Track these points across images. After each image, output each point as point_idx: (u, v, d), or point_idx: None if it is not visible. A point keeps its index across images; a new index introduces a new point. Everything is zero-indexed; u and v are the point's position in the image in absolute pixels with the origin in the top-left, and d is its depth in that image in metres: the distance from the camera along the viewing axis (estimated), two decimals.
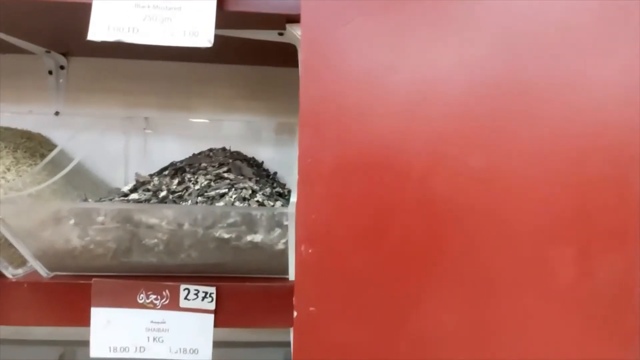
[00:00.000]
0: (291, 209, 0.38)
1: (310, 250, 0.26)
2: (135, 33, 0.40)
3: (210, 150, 0.68)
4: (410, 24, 0.26)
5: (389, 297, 0.27)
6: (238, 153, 0.68)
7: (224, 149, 0.69)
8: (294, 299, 0.26)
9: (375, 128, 0.26)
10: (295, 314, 0.26)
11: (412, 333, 0.27)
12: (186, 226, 0.40)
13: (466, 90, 0.27)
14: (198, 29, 0.40)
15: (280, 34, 0.52)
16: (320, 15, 0.25)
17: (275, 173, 0.71)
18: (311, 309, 0.26)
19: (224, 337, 0.72)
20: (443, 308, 0.27)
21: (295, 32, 0.49)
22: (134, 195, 0.47)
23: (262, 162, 0.71)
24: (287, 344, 0.79)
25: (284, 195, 0.58)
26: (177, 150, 0.72)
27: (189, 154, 0.69)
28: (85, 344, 0.76)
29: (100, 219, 0.42)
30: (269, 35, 0.52)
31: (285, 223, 0.39)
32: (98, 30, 0.40)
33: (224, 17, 0.43)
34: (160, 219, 0.39)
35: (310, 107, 0.26)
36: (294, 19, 0.48)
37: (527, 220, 0.27)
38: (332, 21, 0.25)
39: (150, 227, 0.40)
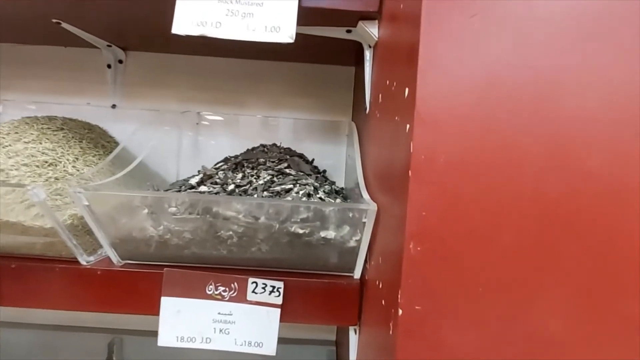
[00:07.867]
0: (372, 206, 0.38)
1: (419, 248, 0.26)
2: (218, 28, 0.41)
3: (264, 146, 0.69)
4: (533, 17, 0.26)
5: (497, 298, 0.26)
6: (290, 150, 0.69)
7: (276, 145, 0.70)
8: (399, 296, 0.26)
9: (492, 127, 0.26)
10: (400, 311, 0.26)
11: (518, 336, 0.27)
12: (262, 219, 0.40)
13: (589, 91, 0.26)
14: (279, 24, 0.41)
15: (348, 32, 0.52)
16: (444, 9, 0.25)
17: (324, 171, 0.71)
18: (417, 307, 0.26)
19: None
20: (551, 311, 0.27)
21: (368, 30, 0.49)
22: (203, 188, 0.47)
23: (313, 160, 0.71)
24: (330, 342, 0.80)
25: (339, 193, 0.58)
26: (227, 145, 0.73)
27: (238, 149, 0.70)
28: (133, 332, 0.78)
29: (173, 209, 0.43)
30: (337, 33, 0.52)
31: (364, 220, 0.39)
32: (182, 25, 0.40)
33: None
34: (238, 211, 0.40)
35: (426, 105, 0.25)
36: (368, 16, 0.48)
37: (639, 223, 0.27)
38: (456, 15, 0.25)
39: (227, 219, 0.40)
